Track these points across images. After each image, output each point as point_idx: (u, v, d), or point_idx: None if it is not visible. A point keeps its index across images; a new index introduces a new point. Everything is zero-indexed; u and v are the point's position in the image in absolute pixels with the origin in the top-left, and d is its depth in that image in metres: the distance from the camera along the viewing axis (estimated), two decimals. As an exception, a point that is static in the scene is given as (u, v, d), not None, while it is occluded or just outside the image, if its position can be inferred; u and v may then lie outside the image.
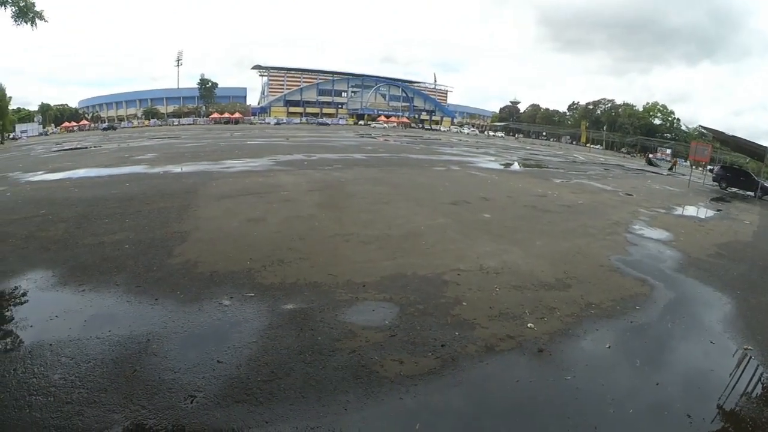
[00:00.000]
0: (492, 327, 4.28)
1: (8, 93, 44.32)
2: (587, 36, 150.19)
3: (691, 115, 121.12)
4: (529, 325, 4.37)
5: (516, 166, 22.20)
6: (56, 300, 4.51)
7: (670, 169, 33.04)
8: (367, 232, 7.29)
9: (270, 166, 15.30)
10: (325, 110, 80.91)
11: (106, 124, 63.91)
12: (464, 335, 4.09)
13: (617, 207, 11.56)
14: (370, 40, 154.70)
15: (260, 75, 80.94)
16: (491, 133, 76.80)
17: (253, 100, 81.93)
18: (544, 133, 77.53)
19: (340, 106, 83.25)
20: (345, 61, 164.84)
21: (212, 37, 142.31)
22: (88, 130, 59.94)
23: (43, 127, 59.72)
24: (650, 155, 45.51)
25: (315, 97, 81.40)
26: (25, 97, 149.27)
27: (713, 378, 3.82)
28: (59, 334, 3.77)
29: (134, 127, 62.48)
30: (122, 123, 67.96)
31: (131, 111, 75.72)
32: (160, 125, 63.59)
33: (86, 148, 25.33)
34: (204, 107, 72.14)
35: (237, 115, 68.50)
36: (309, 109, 79.98)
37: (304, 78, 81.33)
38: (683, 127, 65.05)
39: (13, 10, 8.28)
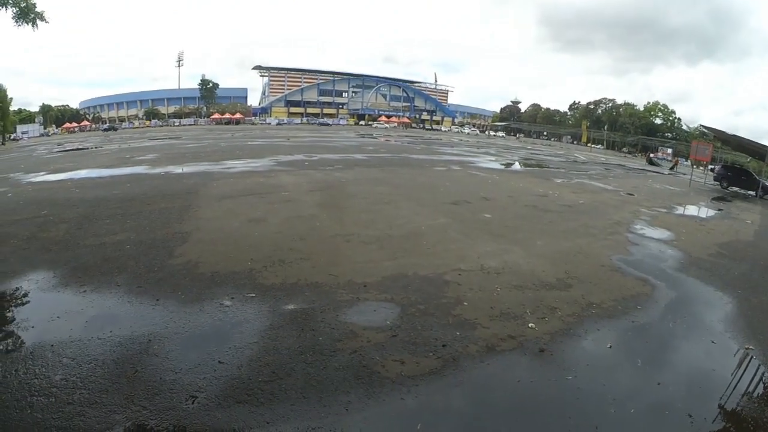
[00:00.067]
0: (493, 327, 4.28)
1: (9, 94, 44.44)
2: (588, 36, 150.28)
3: (692, 114, 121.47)
4: (530, 325, 4.37)
5: (517, 166, 22.19)
6: (57, 301, 4.52)
7: (672, 168, 32.99)
8: (368, 232, 7.29)
9: (271, 166, 15.31)
10: (325, 110, 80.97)
11: (107, 124, 64.05)
12: (465, 335, 4.08)
13: (618, 207, 11.54)
14: (370, 40, 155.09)
15: (261, 75, 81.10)
16: (492, 133, 76.80)
17: (254, 100, 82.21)
18: (545, 133, 77.47)
19: (340, 106, 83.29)
20: (346, 61, 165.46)
21: (213, 37, 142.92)
22: (89, 131, 60.01)
23: (44, 128, 59.82)
24: (651, 155, 45.47)
25: (316, 97, 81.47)
26: (25, 97, 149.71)
27: (714, 378, 3.81)
28: (60, 335, 3.78)
29: (135, 127, 62.54)
30: (123, 124, 68.06)
31: (132, 112, 75.82)
32: (161, 126, 63.67)
33: (87, 148, 25.38)
34: (205, 108, 72.22)
35: (238, 115, 68.59)
36: (310, 110, 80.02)
37: (304, 78, 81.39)
38: (684, 127, 65.13)
39: (14, 11, 8.30)
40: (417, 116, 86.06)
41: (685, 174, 26.09)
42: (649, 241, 8.21)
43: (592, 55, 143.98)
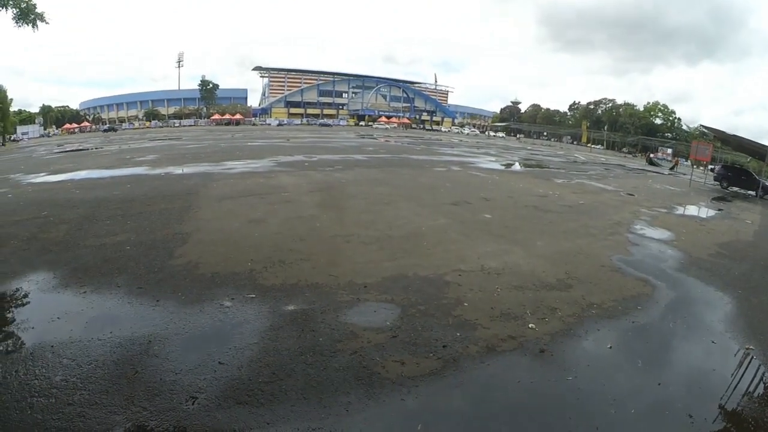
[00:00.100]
0: (493, 327, 4.28)
1: (9, 94, 44.46)
2: (588, 36, 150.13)
3: (692, 114, 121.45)
4: (530, 325, 4.37)
5: (517, 167, 22.20)
6: (58, 302, 4.52)
7: (672, 168, 32.98)
8: (368, 232, 7.29)
9: (271, 167, 15.31)
10: (325, 111, 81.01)
11: (107, 125, 64.07)
12: (466, 336, 4.08)
13: (618, 207, 11.54)
14: (370, 39, 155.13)
15: (261, 76, 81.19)
16: (492, 133, 76.75)
17: (254, 101, 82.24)
18: (545, 134, 77.44)
19: (340, 107, 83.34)
20: (346, 61, 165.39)
21: (212, 36, 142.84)
22: (89, 131, 60.02)
23: (44, 129, 59.82)
24: (651, 155, 45.43)
25: (316, 98, 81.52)
26: (25, 98, 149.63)
27: (715, 378, 3.81)
28: (61, 336, 3.78)
29: (135, 128, 62.56)
30: (123, 124, 68.08)
31: (132, 112, 75.87)
32: (161, 127, 63.68)
33: (87, 149, 25.40)
34: (205, 108, 72.25)
35: (238, 116, 68.62)
36: (310, 110, 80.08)
37: (304, 79, 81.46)
38: (684, 127, 65.08)
39: (15, 11, 8.31)
40: (417, 117, 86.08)
41: (685, 174, 26.09)
42: (649, 241, 8.21)
43: (592, 55, 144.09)
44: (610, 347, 4.13)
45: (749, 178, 20.39)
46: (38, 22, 8.52)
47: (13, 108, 49.34)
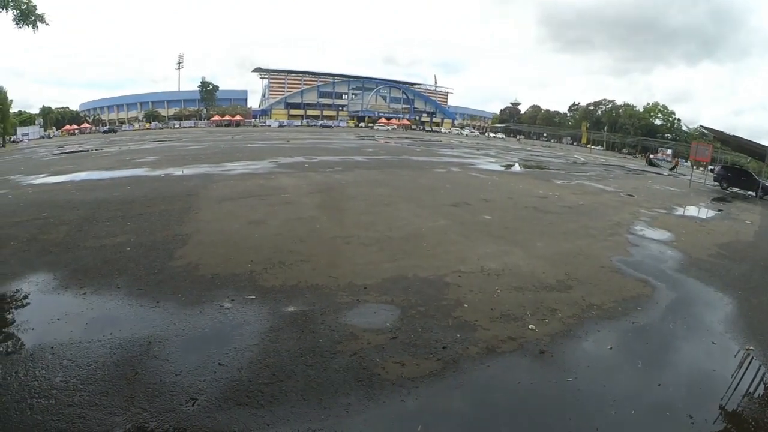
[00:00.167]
0: (493, 329, 4.28)
1: (9, 95, 44.57)
2: (588, 36, 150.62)
3: (692, 115, 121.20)
4: (530, 326, 4.37)
5: (517, 168, 22.22)
6: (58, 303, 4.52)
7: (672, 169, 33.00)
8: (368, 234, 7.29)
9: (271, 168, 15.32)
10: (325, 112, 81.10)
11: (107, 127, 64.13)
12: (465, 337, 4.08)
13: (618, 208, 11.55)
14: (370, 40, 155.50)
15: (261, 77, 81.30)
16: (492, 134, 76.82)
17: (254, 102, 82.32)
18: (544, 135, 77.50)
19: (340, 108, 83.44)
20: (346, 62, 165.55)
21: (213, 37, 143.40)
22: (89, 133, 60.12)
23: (45, 130, 59.90)
24: (651, 156, 45.43)
25: (316, 99, 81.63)
26: (25, 99, 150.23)
27: (715, 378, 3.81)
28: (61, 337, 3.78)
29: (135, 129, 62.66)
30: (123, 126, 68.17)
31: (132, 114, 75.96)
32: (161, 128, 63.75)
33: (87, 151, 25.41)
34: (205, 110, 72.33)
35: (238, 117, 68.75)
36: (310, 112, 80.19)
37: (304, 80, 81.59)
38: (684, 128, 65.07)
39: (15, 13, 8.31)
40: (417, 118, 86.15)
41: (684, 175, 26.09)
42: (649, 242, 8.21)
43: (592, 55, 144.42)
44: (610, 348, 4.13)
45: (749, 178, 20.41)
46: (39, 24, 8.52)
47: (14, 109, 49.53)
